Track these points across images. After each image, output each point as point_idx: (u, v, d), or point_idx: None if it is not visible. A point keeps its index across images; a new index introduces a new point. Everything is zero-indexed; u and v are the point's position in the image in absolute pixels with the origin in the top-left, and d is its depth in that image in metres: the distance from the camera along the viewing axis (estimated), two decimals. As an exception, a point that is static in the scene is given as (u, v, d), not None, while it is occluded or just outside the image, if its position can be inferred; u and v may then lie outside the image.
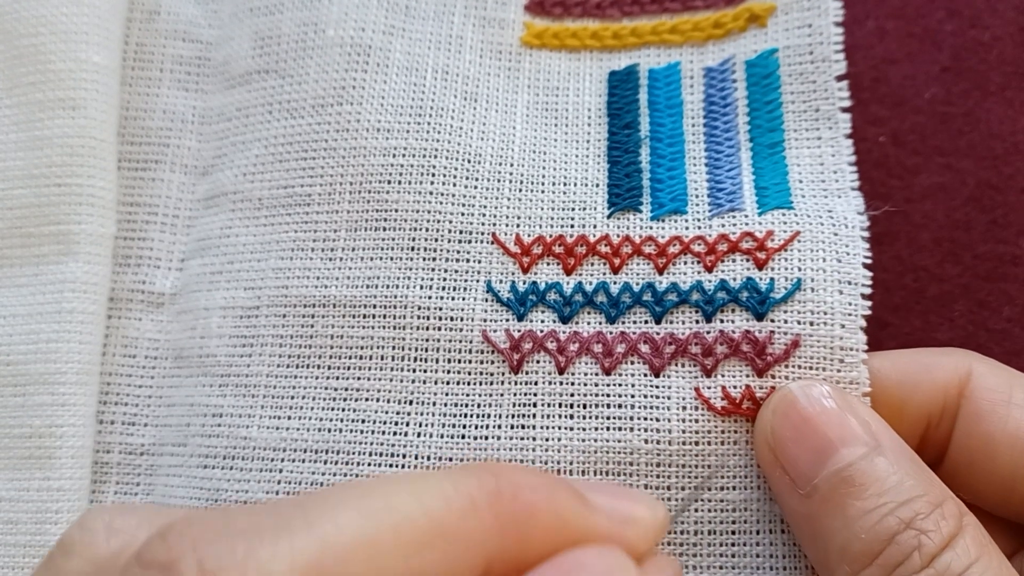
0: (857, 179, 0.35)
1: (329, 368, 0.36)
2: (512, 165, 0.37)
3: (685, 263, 0.35)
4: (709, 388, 0.33)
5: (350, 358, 0.36)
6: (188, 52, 0.42)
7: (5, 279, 0.38)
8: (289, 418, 0.36)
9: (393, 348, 0.36)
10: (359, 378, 0.36)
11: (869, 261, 0.33)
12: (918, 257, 0.38)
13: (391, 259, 0.36)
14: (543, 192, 0.37)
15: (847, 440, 0.29)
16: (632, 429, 0.34)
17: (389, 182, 0.37)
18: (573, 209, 0.37)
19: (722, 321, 0.34)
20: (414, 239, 0.36)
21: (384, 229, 0.37)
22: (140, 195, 0.41)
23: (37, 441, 0.37)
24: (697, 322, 0.34)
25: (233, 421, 0.36)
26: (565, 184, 0.37)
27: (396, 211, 0.37)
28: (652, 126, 0.38)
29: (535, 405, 0.34)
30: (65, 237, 0.38)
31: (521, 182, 0.37)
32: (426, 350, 0.35)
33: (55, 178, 0.38)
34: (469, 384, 0.35)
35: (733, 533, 0.33)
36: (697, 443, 0.33)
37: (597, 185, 0.37)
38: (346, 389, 0.36)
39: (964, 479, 0.31)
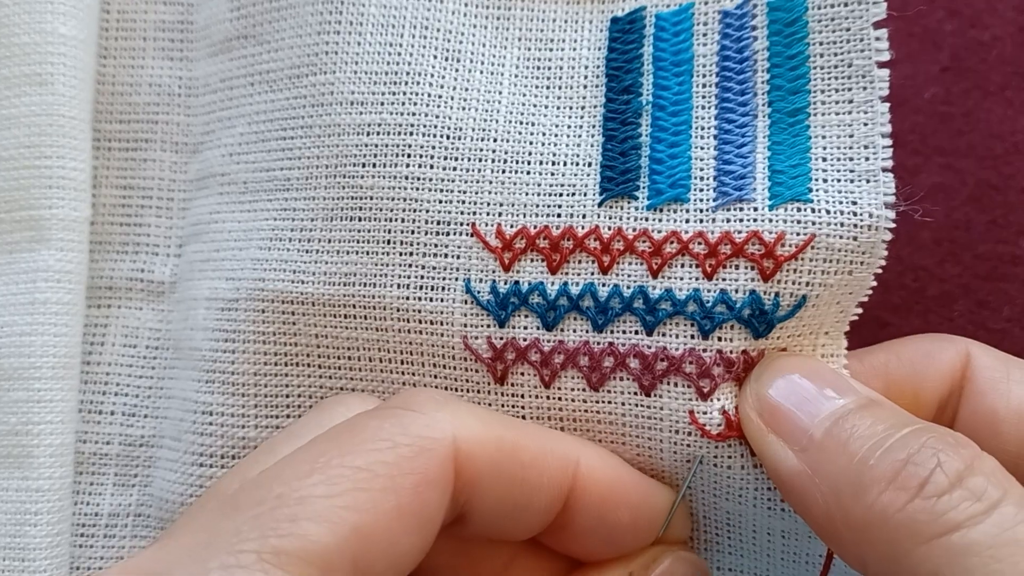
0: (891, 156, 0.29)
1: (320, 368, 0.33)
2: (496, 140, 0.32)
3: (682, 266, 0.30)
4: (705, 413, 0.29)
5: (338, 358, 0.33)
6: (170, 16, 0.38)
7: (-24, 269, 0.36)
8: (288, 417, 0.34)
9: (379, 351, 0.32)
10: (351, 379, 0.33)
11: (881, 270, 0.30)
12: (918, 257, 0.37)
13: (367, 253, 0.32)
14: (529, 173, 0.32)
15: (840, 390, 0.28)
16: (624, 444, 0.31)
17: (363, 165, 0.32)
18: (561, 195, 0.31)
19: (720, 339, 0.29)
20: (390, 231, 0.32)
21: (359, 219, 0.32)
22: (133, 177, 0.38)
23: (14, 439, 0.34)
24: (693, 337, 0.29)
25: (226, 420, 0.34)
26: (554, 163, 0.32)
27: (371, 198, 0.32)
28: (656, 90, 0.32)
29: (524, 417, 0.31)
30: (36, 223, 0.35)
31: (505, 161, 0.32)
32: (410, 353, 0.32)
33: (24, 160, 0.35)
34: (457, 390, 0.32)
35: (728, 525, 0.32)
36: (689, 460, 0.30)
37: (589, 164, 0.32)
38: (342, 389, 0.33)
39: None
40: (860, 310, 0.31)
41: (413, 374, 0.32)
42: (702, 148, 0.31)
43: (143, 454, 0.37)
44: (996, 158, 0.38)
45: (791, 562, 0.32)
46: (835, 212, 0.29)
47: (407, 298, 0.32)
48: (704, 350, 0.30)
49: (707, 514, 0.32)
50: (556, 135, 0.33)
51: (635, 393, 0.30)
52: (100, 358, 0.37)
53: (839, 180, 0.30)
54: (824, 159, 0.30)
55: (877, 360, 0.31)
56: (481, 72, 0.33)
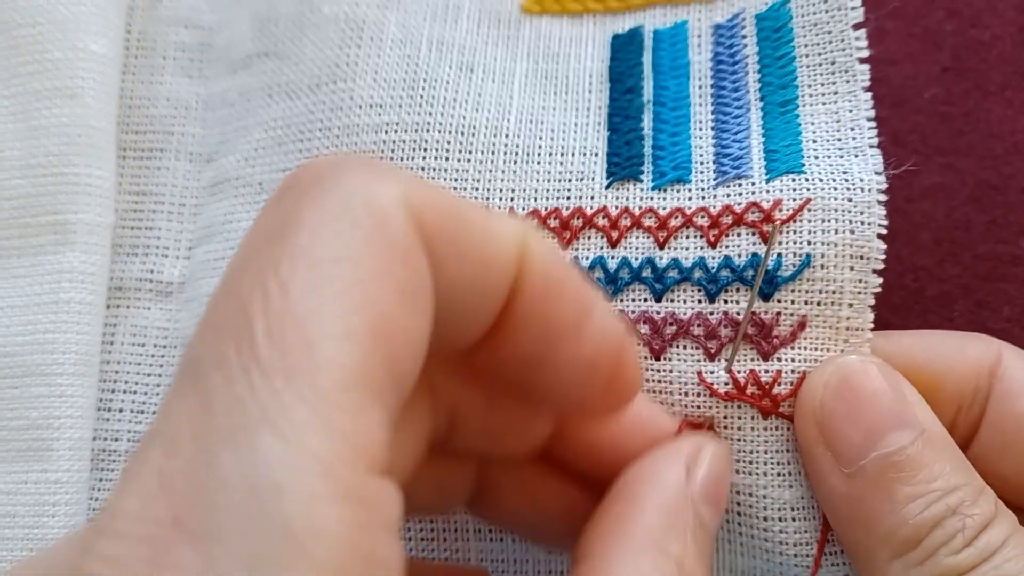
0: (876, 135, 0.32)
1: None
2: (507, 136, 0.34)
3: (687, 237, 0.32)
4: (712, 373, 0.31)
5: None
6: (190, 38, 0.40)
7: (2, 270, 0.37)
8: None
9: None
10: None
11: (885, 231, 0.30)
12: (918, 257, 0.37)
13: None
14: (539, 163, 0.34)
15: (900, 423, 0.28)
16: None
17: (381, 159, 0.34)
18: (570, 180, 0.34)
19: (726, 301, 0.31)
20: None
21: None
22: (146, 184, 0.39)
23: (34, 433, 0.35)
24: (700, 302, 0.31)
25: None
26: (562, 154, 0.34)
27: None
28: (656, 89, 0.35)
29: None
30: (62, 227, 0.36)
31: (516, 153, 0.34)
32: None
33: (52, 167, 0.36)
34: None
35: (739, 515, 0.31)
36: (700, 426, 0.31)
37: (596, 154, 0.34)
38: None
39: (995, 463, 0.29)
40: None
41: None
42: (700, 138, 0.34)
43: None
44: (996, 158, 0.37)
45: (804, 557, 0.31)
46: (827, 180, 0.31)
47: None
48: (711, 313, 0.31)
49: None
50: (564, 131, 0.35)
51: (645, 358, 0.32)
52: (110, 356, 0.38)
53: (829, 156, 0.32)
54: (814, 141, 0.32)
55: (904, 343, 0.31)
56: (493, 81, 0.36)
